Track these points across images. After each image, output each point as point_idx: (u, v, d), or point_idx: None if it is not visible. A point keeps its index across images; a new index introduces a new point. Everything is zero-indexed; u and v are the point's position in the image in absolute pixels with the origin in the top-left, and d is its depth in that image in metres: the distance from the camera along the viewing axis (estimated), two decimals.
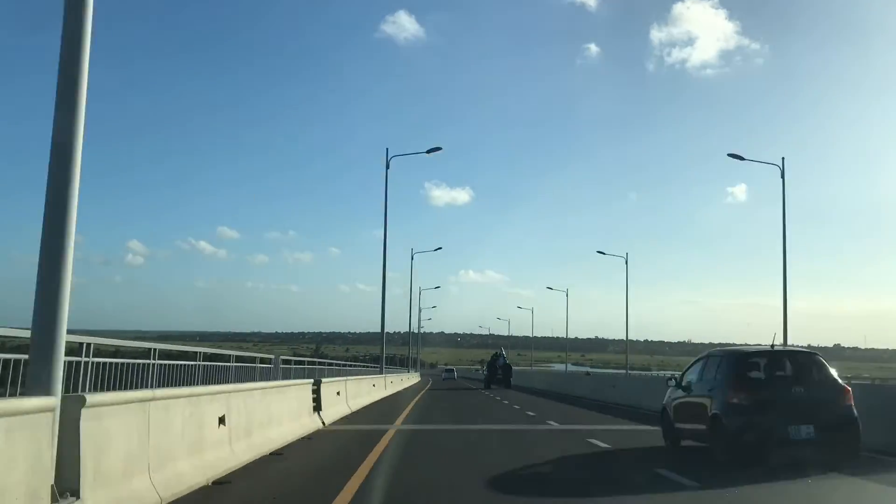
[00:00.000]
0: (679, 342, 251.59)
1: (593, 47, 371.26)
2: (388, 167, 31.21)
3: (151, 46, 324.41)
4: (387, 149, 31.43)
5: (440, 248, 70.19)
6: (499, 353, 45.05)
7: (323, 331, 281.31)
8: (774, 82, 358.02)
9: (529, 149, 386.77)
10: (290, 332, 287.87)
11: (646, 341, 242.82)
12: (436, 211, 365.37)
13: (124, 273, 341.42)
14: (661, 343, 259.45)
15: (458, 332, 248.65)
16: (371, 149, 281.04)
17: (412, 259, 52.24)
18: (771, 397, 8.59)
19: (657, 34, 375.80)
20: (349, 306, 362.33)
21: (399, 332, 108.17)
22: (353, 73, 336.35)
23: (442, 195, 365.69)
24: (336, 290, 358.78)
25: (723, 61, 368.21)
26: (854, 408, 8.52)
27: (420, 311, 67.22)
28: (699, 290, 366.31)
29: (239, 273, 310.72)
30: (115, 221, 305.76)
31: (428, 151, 33.24)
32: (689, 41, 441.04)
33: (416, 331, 73.04)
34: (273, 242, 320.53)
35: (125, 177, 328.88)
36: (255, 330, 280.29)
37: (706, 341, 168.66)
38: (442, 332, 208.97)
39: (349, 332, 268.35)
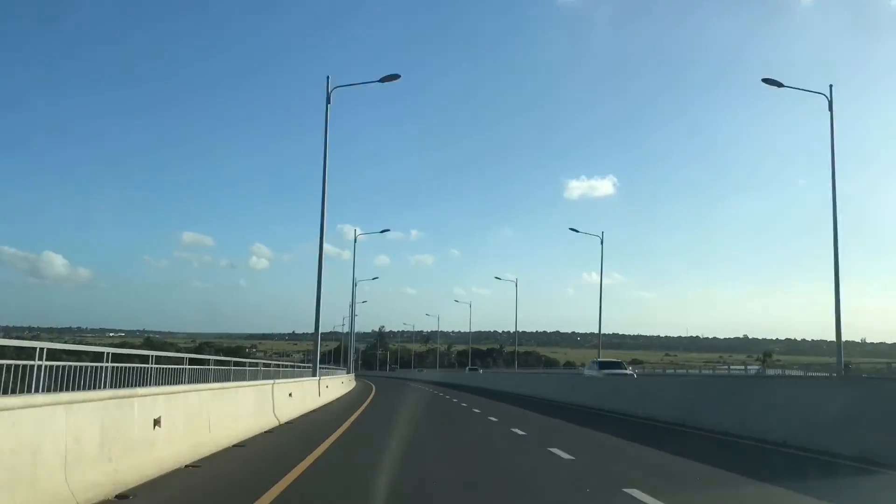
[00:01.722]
0: None
1: None
2: (328, 101, 23.24)
3: None
4: (327, 77, 23.53)
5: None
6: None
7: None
8: None
9: None
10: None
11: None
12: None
13: (248, 276, 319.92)
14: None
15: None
16: None
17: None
18: None
19: None
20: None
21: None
22: None
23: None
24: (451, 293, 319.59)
25: None
26: None
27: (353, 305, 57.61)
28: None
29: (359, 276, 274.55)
30: (242, 226, 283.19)
31: (382, 80, 24.59)
32: None
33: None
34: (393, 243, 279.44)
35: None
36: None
37: None
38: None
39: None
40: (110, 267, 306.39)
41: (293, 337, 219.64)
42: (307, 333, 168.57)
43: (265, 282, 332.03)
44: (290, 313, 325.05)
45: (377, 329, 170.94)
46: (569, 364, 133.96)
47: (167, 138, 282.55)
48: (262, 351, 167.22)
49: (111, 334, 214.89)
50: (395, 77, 24.70)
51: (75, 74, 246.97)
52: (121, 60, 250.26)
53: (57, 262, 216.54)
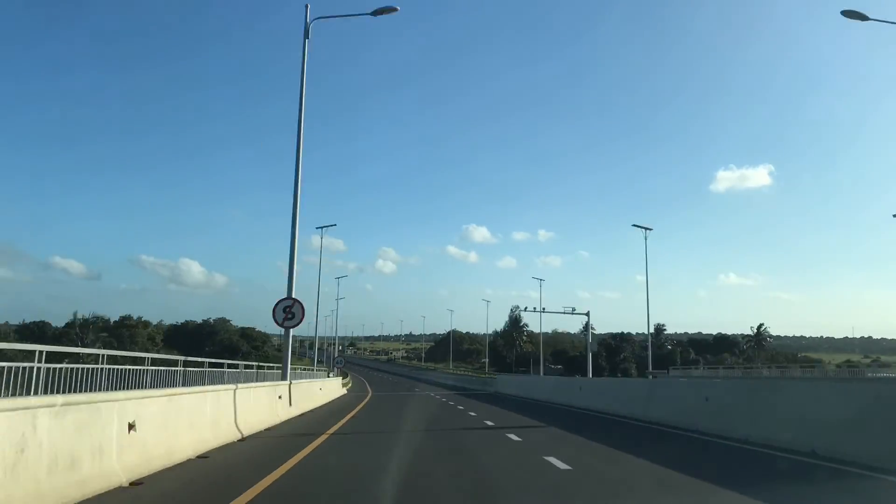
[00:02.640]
0: None
1: None
2: (307, 36, 20.62)
3: None
4: (307, 6, 20.63)
5: None
6: None
7: None
8: None
9: None
10: None
11: None
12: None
13: (376, 280, 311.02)
14: None
15: None
16: None
17: None
18: None
19: None
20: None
21: None
22: None
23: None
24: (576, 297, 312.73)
25: None
26: None
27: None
28: None
29: (484, 279, 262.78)
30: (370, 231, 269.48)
31: (374, 13, 21.09)
32: None
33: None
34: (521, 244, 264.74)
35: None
36: None
37: None
38: None
39: None
40: (243, 273, 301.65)
41: (410, 338, 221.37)
42: (422, 334, 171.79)
43: (389, 285, 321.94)
44: (407, 315, 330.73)
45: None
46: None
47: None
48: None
49: None
50: (390, 9, 20.86)
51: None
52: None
53: (194, 269, 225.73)
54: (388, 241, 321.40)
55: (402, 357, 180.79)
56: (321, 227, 54.92)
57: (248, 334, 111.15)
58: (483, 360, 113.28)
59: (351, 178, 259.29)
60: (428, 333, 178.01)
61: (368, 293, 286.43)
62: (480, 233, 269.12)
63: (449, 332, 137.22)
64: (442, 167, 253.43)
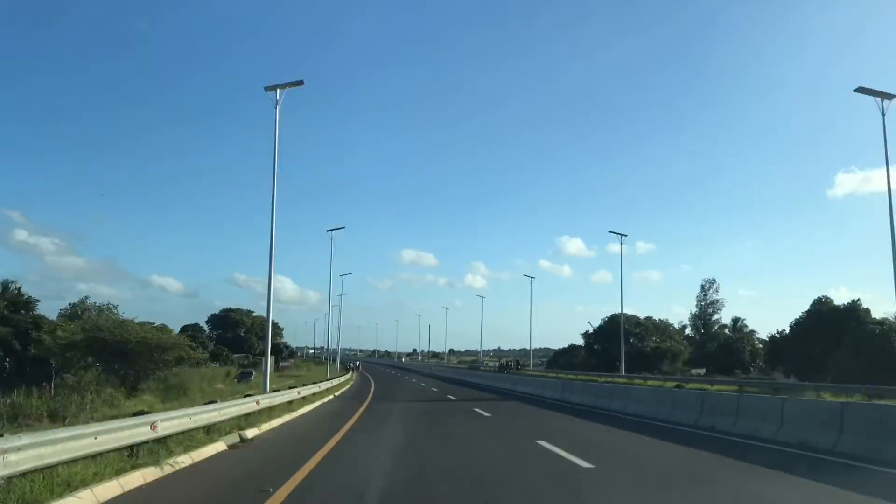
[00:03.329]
0: None
1: None
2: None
3: None
4: None
5: None
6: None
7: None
8: None
9: None
10: None
11: None
12: None
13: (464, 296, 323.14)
14: None
15: None
16: None
17: None
18: None
19: None
20: None
21: None
22: None
23: None
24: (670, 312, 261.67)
25: None
26: None
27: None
28: None
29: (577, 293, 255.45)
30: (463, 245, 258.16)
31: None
32: None
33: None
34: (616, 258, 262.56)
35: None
36: None
37: None
38: None
39: None
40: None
41: (498, 353, 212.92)
42: (512, 349, 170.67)
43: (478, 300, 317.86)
44: (499, 330, 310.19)
45: None
46: None
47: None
48: None
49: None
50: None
51: None
52: None
53: (287, 286, 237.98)
54: (478, 255, 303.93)
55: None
56: (331, 230, 56.38)
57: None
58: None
59: (442, 194, 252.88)
60: (518, 348, 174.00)
61: (457, 308, 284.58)
62: (574, 244, 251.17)
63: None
64: (541, 177, 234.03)
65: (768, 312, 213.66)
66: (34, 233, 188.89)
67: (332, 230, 55.32)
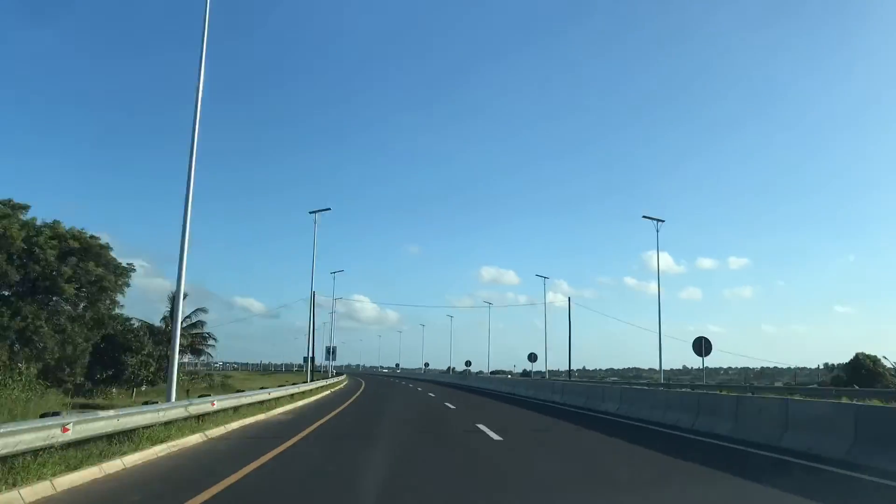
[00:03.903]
0: None
1: None
2: None
3: None
4: None
5: None
6: None
7: None
8: None
9: None
10: None
11: None
12: None
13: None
14: None
15: None
16: None
17: None
18: None
19: None
20: None
21: None
22: None
23: None
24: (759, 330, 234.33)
25: None
26: None
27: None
28: None
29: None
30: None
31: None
32: None
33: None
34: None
35: None
36: None
37: None
38: None
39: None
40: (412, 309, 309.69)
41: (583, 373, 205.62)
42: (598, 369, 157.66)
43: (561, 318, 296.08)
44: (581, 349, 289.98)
45: None
46: None
47: None
48: None
49: None
50: None
51: None
52: None
53: (367, 306, 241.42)
54: (561, 272, 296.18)
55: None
56: (314, 212, 46.83)
57: None
58: None
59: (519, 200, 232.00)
60: (605, 368, 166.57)
61: (537, 328, 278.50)
62: (663, 259, 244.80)
63: None
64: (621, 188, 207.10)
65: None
66: (122, 255, 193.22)
67: (315, 212, 47.53)
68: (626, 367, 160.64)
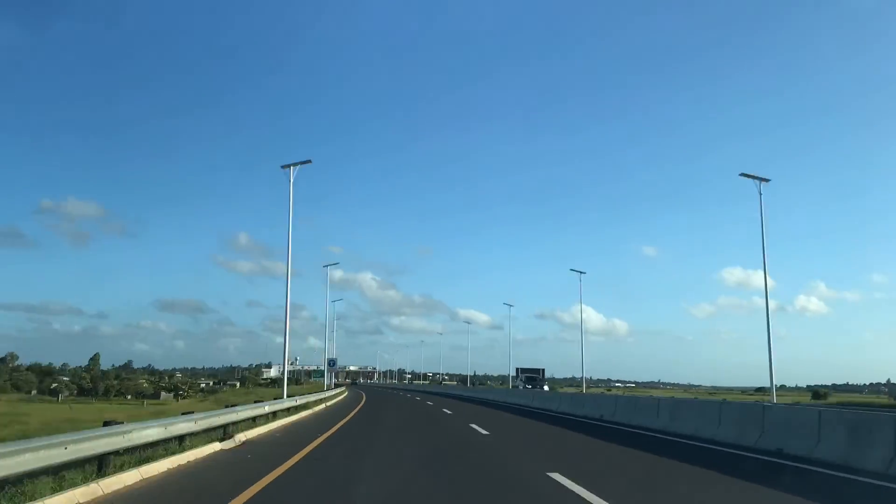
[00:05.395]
0: None
1: None
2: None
3: None
4: None
5: None
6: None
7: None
8: None
9: None
10: None
11: None
12: None
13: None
14: None
15: None
16: None
17: None
18: None
19: None
20: None
21: None
22: None
23: None
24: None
25: None
26: None
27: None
28: None
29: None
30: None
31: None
32: None
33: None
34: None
35: None
36: None
37: None
38: None
39: None
40: (643, 320, 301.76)
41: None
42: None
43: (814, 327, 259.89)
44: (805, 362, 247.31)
45: None
46: None
47: None
48: None
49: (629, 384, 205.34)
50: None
51: None
52: None
53: (592, 317, 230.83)
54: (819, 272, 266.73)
55: None
56: (287, 166, 29.94)
57: None
58: None
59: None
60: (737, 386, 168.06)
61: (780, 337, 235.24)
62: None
63: None
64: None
65: None
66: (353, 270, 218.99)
67: (288, 166, 31.80)
68: None
